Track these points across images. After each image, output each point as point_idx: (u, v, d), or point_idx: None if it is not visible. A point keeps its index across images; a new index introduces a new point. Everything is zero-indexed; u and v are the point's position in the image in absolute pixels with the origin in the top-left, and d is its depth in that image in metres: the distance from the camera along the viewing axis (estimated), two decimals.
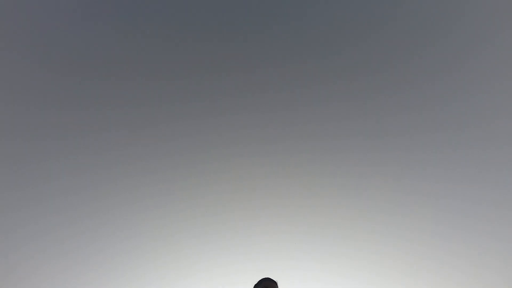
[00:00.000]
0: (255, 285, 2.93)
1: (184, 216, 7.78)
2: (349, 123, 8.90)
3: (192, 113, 8.93)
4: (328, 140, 8.92)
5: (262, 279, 2.91)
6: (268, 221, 7.64)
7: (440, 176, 8.36)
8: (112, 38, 8.76)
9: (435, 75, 8.91)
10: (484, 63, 8.66)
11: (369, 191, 8.31)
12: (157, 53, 9.05)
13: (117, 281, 6.67)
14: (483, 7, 8.42)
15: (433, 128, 8.70)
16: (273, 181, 8.27)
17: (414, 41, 9.03)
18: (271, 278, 2.88)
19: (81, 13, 8.84)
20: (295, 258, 7.03)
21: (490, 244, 7.11)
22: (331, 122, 8.95)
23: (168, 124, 8.73)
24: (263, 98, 9.12)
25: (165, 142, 8.71)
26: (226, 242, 7.23)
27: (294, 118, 9.19)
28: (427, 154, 8.59)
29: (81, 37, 8.78)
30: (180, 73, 9.16)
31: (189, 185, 8.22)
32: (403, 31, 9.01)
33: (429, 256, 7.35)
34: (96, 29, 8.82)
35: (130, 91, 8.88)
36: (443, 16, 8.81)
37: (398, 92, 9.09)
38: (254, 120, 9.08)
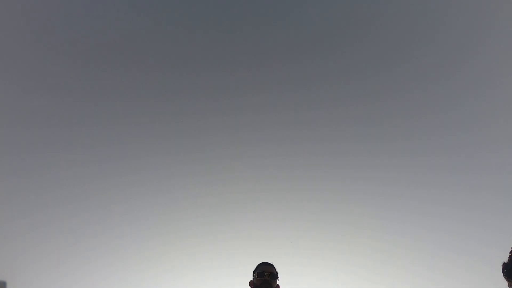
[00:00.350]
0: (254, 271, 3.00)
1: (184, 215, 7.78)
2: (351, 125, 8.92)
3: (191, 112, 8.94)
4: (328, 141, 8.94)
5: (259, 264, 2.98)
6: (267, 220, 7.65)
7: (440, 179, 8.35)
8: (116, 35, 8.80)
9: (436, 79, 8.94)
10: (486, 67, 8.69)
11: (369, 192, 8.31)
12: (161, 52, 9.06)
13: (116, 280, 6.70)
14: (484, 10, 8.48)
15: (434, 132, 8.71)
16: (271, 181, 8.28)
17: (416, 45, 9.05)
18: (267, 262, 2.95)
19: (85, 12, 8.92)
20: (293, 256, 7.05)
21: (489, 245, 7.11)
22: (332, 124, 8.97)
23: (168, 123, 8.74)
24: (265, 98, 9.12)
25: (165, 141, 8.73)
26: (226, 240, 7.26)
27: (295, 120, 9.22)
28: (427, 158, 8.59)
29: (83, 36, 8.82)
30: (182, 72, 9.18)
31: (188, 185, 8.22)
32: (405, 34, 9.06)
33: (427, 256, 7.35)
34: (99, 27, 8.88)
35: (130, 89, 8.88)
36: (444, 20, 8.87)
37: (398, 96, 9.10)
38: (253, 121, 9.10)
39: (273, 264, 2.94)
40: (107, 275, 6.55)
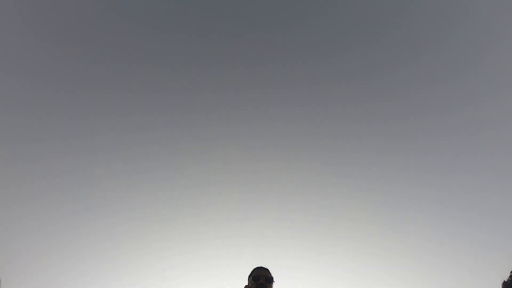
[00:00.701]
0: (249, 275, 2.98)
1: (175, 215, 7.66)
2: (352, 124, 8.79)
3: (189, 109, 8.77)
4: (328, 140, 8.83)
5: (255, 268, 2.96)
6: (263, 222, 7.54)
7: (440, 179, 8.27)
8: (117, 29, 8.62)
9: (439, 78, 8.82)
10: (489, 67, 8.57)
11: (370, 191, 8.22)
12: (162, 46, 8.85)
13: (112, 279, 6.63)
14: (485, 12, 8.36)
15: (436, 132, 8.59)
16: (268, 179, 8.14)
17: (419, 45, 8.92)
18: (263, 266, 2.93)
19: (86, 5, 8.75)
20: (289, 255, 6.96)
21: (489, 245, 7.03)
22: (334, 122, 8.84)
23: (166, 123, 8.59)
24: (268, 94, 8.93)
25: (163, 141, 8.59)
26: (223, 240, 7.16)
27: (295, 117, 9.10)
28: (428, 157, 8.50)
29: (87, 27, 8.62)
30: (183, 66, 9.00)
31: (180, 184, 8.08)
32: (407, 35, 8.93)
33: (426, 256, 7.28)
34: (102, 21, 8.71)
35: (131, 82, 8.68)
36: (446, 21, 8.76)
37: (401, 95, 8.99)
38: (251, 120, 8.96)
39: (269, 269, 2.92)
40: (101, 274, 6.48)
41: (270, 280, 2.86)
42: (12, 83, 7.65)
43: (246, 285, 2.92)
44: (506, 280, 2.27)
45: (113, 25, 8.37)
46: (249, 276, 2.93)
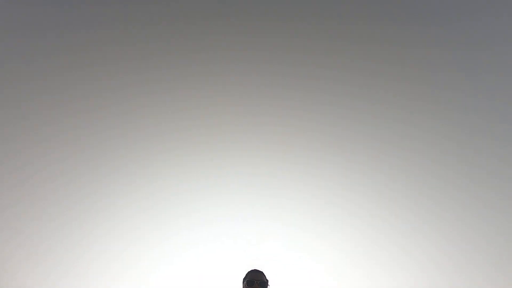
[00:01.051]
0: (243, 279, 2.94)
1: (177, 209, 7.49)
2: (353, 122, 8.59)
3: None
4: (329, 138, 8.68)
5: (249, 271, 2.92)
6: (260, 215, 7.36)
7: (443, 174, 8.13)
8: None
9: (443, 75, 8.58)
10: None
11: (371, 187, 8.11)
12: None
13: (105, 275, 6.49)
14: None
15: (439, 128, 8.39)
16: (266, 175, 7.97)
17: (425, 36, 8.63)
18: (257, 269, 2.88)
19: None
20: (284, 254, 6.78)
21: (491, 241, 6.92)
22: (337, 119, 8.62)
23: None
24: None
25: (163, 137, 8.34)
26: (219, 240, 7.02)
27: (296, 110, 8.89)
28: (431, 154, 8.34)
29: None
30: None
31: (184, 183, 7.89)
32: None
33: (427, 252, 7.18)
34: None
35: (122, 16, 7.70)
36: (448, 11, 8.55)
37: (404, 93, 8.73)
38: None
39: (263, 272, 2.88)
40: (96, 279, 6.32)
41: (265, 284, 2.83)
42: None
43: None
44: None
45: None
46: (243, 281, 2.89)
